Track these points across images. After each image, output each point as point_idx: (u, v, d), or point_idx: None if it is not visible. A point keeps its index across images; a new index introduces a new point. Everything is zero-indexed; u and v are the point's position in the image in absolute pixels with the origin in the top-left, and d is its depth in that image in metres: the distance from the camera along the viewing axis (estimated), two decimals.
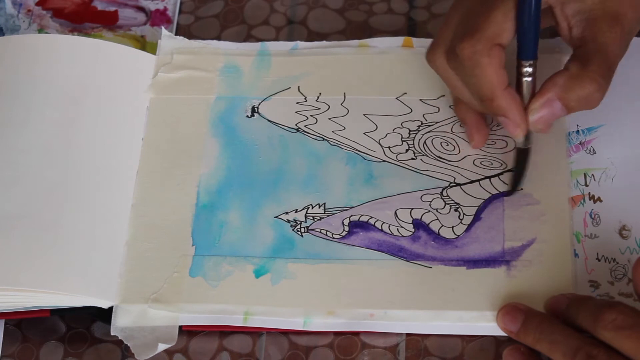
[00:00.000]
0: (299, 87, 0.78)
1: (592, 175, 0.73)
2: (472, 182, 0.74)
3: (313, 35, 0.83)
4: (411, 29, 0.82)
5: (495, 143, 0.75)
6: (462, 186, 0.73)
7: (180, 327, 0.70)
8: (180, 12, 0.85)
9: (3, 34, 0.84)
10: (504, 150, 0.74)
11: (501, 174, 0.73)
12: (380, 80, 0.78)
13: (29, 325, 0.73)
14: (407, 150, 0.75)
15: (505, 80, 0.68)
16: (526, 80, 0.69)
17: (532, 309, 0.67)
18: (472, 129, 0.74)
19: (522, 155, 0.72)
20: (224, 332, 0.71)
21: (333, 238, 0.72)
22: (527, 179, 0.73)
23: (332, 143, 0.76)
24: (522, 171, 0.72)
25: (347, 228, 0.73)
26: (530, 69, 0.68)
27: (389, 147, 0.75)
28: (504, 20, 0.67)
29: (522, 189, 0.73)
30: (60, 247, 0.72)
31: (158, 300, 0.70)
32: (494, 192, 0.73)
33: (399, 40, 0.79)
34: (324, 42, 0.80)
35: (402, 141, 0.76)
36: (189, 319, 0.70)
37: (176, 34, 0.83)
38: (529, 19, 0.67)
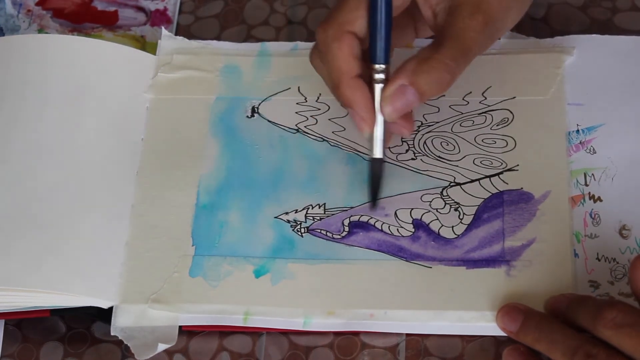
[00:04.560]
0: (299, 87, 0.78)
1: (592, 174, 0.73)
2: (472, 181, 0.73)
3: (313, 36, 0.82)
4: None
5: (496, 142, 0.75)
6: (462, 186, 0.73)
7: (180, 327, 0.70)
8: (180, 12, 0.85)
9: (3, 34, 0.84)
10: (504, 150, 0.74)
11: (501, 173, 0.73)
12: None
13: (29, 325, 0.73)
14: (407, 151, 0.75)
15: (354, 70, 0.67)
16: (378, 86, 0.68)
17: (532, 309, 0.67)
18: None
19: (376, 167, 0.71)
20: (224, 332, 0.71)
21: (333, 238, 0.72)
22: (528, 178, 0.73)
23: (332, 144, 0.76)
24: (377, 186, 0.71)
25: (347, 228, 0.73)
26: (381, 75, 0.67)
27: (388, 148, 0.75)
28: (356, 8, 0.67)
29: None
30: (61, 247, 0.72)
31: (158, 300, 0.70)
32: (494, 191, 0.73)
33: None
34: None
35: (402, 141, 0.75)
36: (189, 319, 0.70)
37: (176, 34, 0.83)
38: (379, 15, 0.66)
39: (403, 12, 0.70)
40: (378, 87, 0.68)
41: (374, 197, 0.72)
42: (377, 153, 0.70)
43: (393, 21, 0.68)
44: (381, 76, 0.68)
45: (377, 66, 0.68)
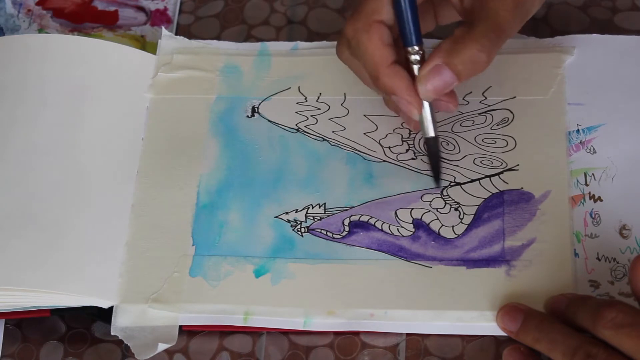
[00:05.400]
0: (299, 87, 0.78)
1: (593, 174, 0.73)
2: (472, 181, 0.73)
3: (313, 35, 0.83)
4: None
5: (496, 142, 0.75)
6: (462, 185, 0.73)
7: (180, 327, 0.70)
8: (180, 12, 0.85)
9: (3, 34, 0.85)
10: (505, 149, 0.74)
11: (501, 172, 0.73)
12: None
13: (29, 325, 0.73)
14: (407, 150, 0.75)
15: (389, 58, 0.68)
16: (416, 68, 0.69)
17: (532, 309, 0.67)
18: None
19: (432, 146, 0.71)
20: (224, 332, 0.71)
21: (333, 238, 0.72)
22: (528, 178, 0.73)
23: (332, 143, 0.76)
24: (437, 162, 0.72)
25: (347, 228, 0.73)
26: (417, 57, 0.68)
27: (389, 147, 0.75)
28: None
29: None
30: (61, 247, 0.72)
31: (158, 300, 0.70)
32: (495, 191, 0.73)
33: None
34: (324, 42, 0.80)
35: (403, 141, 0.76)
36: (189, 319, 0.70)
37: (176, 34, 0.83)
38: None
39: (424, 1, 0.70)
40: (416, 69, 0.69)
41: (437, 173, 0.72)
42: (430, 132, 0.71)
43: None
44: (416, 57, 0.68)
45: (410, 48, 0.68)
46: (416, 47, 0.68)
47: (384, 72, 0.68)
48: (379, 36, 0.67)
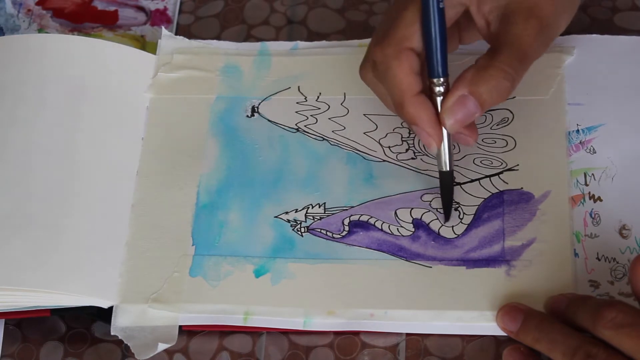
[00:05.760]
0: (299, 87, 0.78)
1: (592, 174, 0.73)
2: (472, 181, 0.73)
3: (313, 35, 0.83)
4: None
5: (496, 142, 0.75)
6: (462, 185, 0.73)
7: (180, 327, 0.70)
8: (180, 12, 0.85)
9: (3, 34, 0.84)
10: (504, 150, 0.74)
11: (501, 172, 0.73)
12: None
13: (29, 325, 0.73)
14: (407, 150, 0.75)
15: (416, 87, 0.67)
16: (440, 100, 0.68)
17: (532, 309, 0.67)
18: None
19: (447, 180, 0.71)
20: (224, 332, 0.71)
21: (333, 238, 0.72)
22: (528, 178, 0.73)
23: (332, 143, 0.76)
24: (450, 197, 0.71)
25: (347, 228, 0.73)
26: (441, 88, 0.67)
27: (389, 147, 0.75)
28: (412, 23, 0.66)
29: (520, 188, 0.73)
30: (61, 247, 0.72)
31: (158, 300, 0.70)
32: (494, 191, 0.73)
33: None
34: (324, 42, 0.80)
35: (402, 141, 0.76)
36: (189, 319, 0.70)
37: (176, 34, 0.83)
38: (434, 30, 0.66)
39: (450, 25, 0.70)
40: (440, 101, 0.68)
41: (448, 208, 0.72)
42: (446, 166, 0.70)
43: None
44: (441, 89, 0.67)
45: (435, 80, 0.67)
46: (442, 79, 0.68)
47: (409, 101, 0.67)
48: (409, 64, 0.66)
